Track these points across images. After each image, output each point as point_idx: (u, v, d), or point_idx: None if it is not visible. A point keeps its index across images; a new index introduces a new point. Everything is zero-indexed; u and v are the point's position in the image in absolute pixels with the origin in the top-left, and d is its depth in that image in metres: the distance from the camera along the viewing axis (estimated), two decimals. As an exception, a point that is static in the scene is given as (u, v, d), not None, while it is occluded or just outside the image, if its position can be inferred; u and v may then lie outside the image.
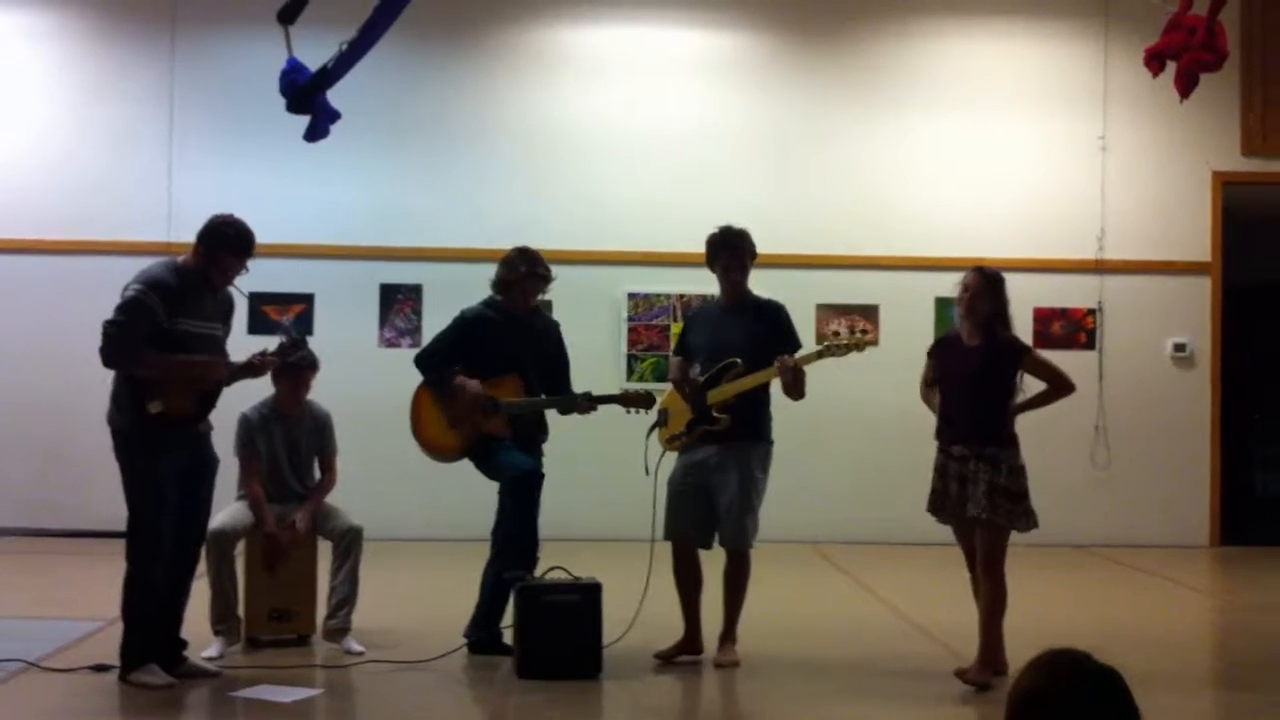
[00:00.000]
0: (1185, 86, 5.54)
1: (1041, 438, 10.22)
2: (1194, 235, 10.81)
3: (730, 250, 6.22)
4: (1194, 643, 7.36)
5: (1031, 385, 5.92)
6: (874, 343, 6.08)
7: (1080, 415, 10.44)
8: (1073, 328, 10.69)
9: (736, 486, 6.05)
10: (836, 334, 6.07)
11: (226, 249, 5.57)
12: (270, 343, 5.99)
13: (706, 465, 6.12)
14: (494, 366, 6.36)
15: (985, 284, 5.81)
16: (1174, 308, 10.79)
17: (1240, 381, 11.58)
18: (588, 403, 6.37)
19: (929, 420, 5.97)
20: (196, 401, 5.56)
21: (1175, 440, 10.72)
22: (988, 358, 5.80)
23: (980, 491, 5.67)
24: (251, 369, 5.71)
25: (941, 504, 5.83)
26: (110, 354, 5.42)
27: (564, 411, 6.50)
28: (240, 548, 6.37)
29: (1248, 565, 10.10)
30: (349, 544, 6.38)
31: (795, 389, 6.01)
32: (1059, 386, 5.87)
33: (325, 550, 6.48)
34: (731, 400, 6.04)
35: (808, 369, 6.04)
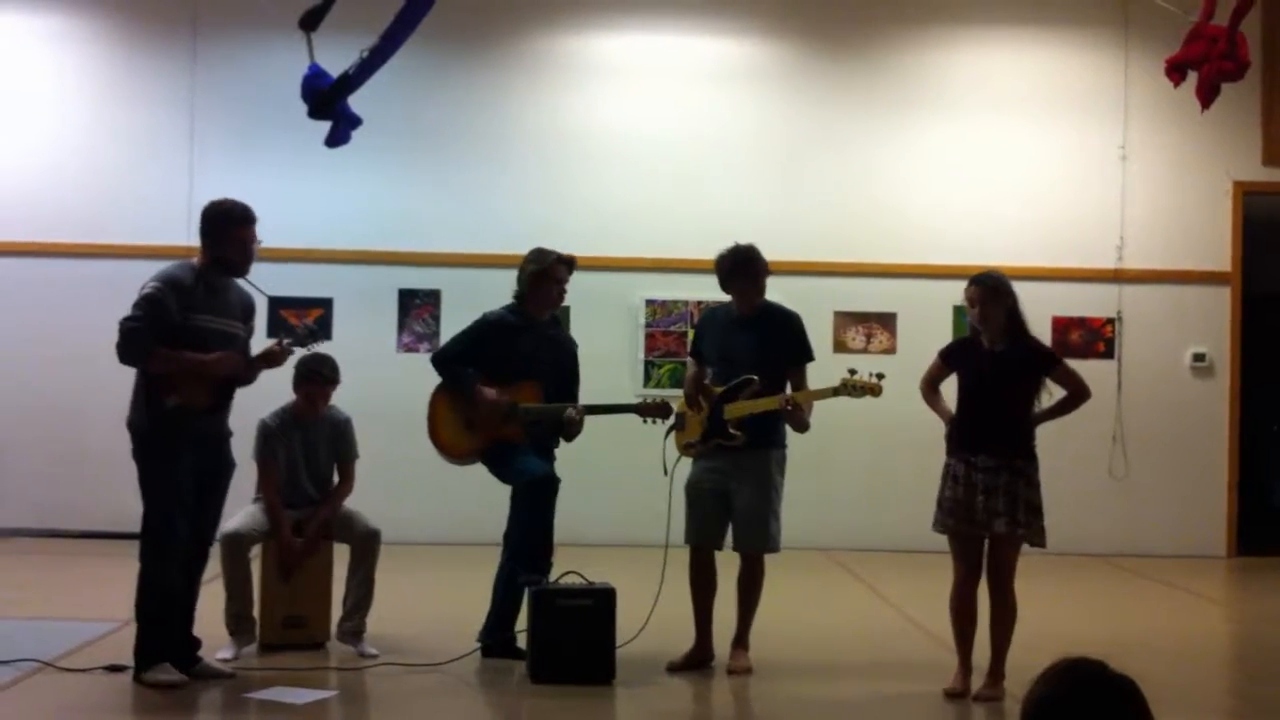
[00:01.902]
0: (1206, 96, 5.52)
1: (1058, 447, 10.18)
2: (1214, 245, 10.76)
3: (745, 275, 6.15)
4: (1210, 654, 7.32)
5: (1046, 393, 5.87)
6: (875, 393, 6.04)
7: (1098, 425, 10.40)
8: (1091, 337, 10.65)
9: (754, 491, 6.05)
10: (853, 372, 6.03)
11: (231, 222, 5.62)
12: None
13: (723, 470, 6.12)
14: (512, 371, 6.36)
15: (987, 292, 5.73)
16: (1193, 317, 10.75)
17: (1260, 392, 11.52)
18: (576, 414, 6.27)
19: (942, 427, 5.93)
20: (212, 392, 5.59)
21: (1193, 450, 10.67)
22: (1019, 364, 5.73)
23: (1018, 507, 5.61)
24: (270, 358, 5.72)
25: (964, 515, 5.66)
26: (124, 350, 5.46)
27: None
28: (256, 551, 6.39)
29: (1264, 576, 10.05)
30: (366, 548, 6.38)
31: (793, 423, 6.05)
32: (1079, 395, 5.82)
33: (340, 556, 6.49)
34: (746, 416, 6.04)
35: (816, 372, 6.09)
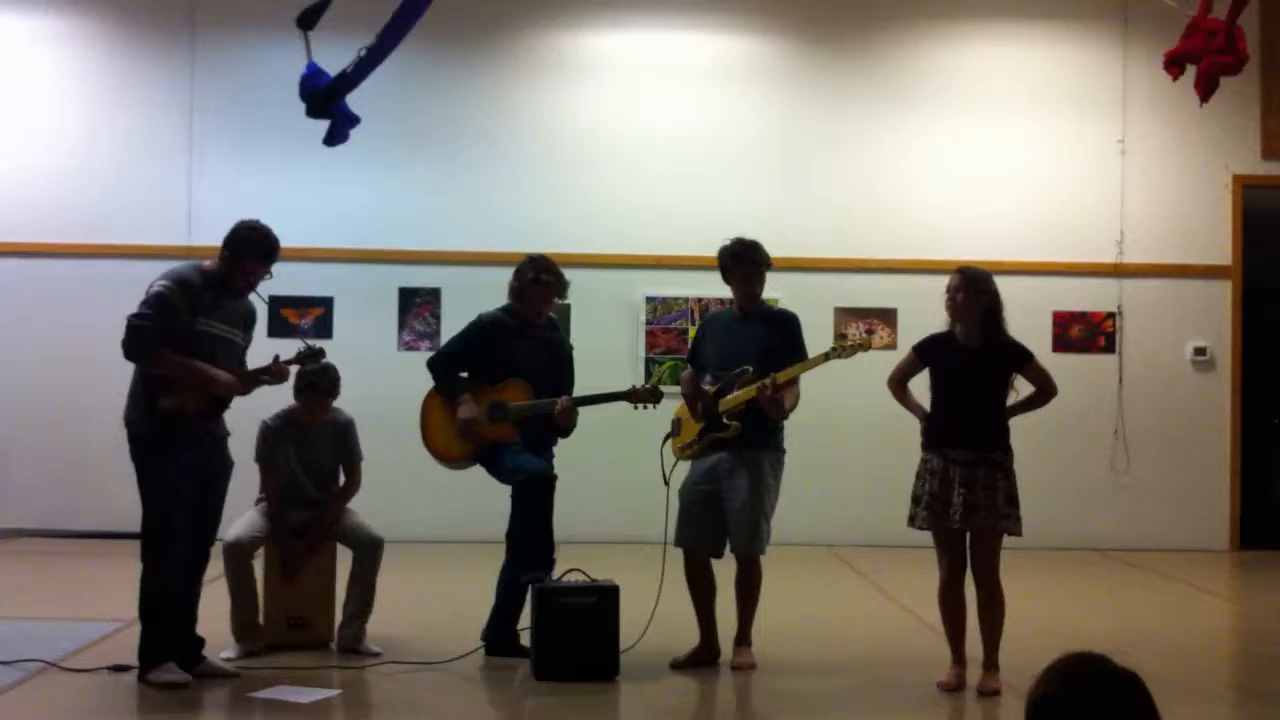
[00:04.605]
0: (1205, 90, 5.53)
1: (1060, 442, 10.29)
2: (1214, 238, 10.76)
3: (747, 262, 6.20)
4: (1213, 648, 7.33)
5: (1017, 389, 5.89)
6: (865, 347, 6.07)
7: (1099, 419, 10.41)
8: (1092, 331, 10.64)
9: (747, 493, 6.03)
10: (843, 336, 6.03)
11: (252, 254, 5.61)
12: (288, 348, 5.98)
13: (717, 472, 6.11)
14: (504, 371, 6.36)
15: (969, 283, 5.76)
16: (1194, 311, 10.75)
17: (1260, 385, 11.52)
18: (565, 404, 6.27)
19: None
20: (209, 399, 5.59)
21: (1194, 445, 10.67)
22: (993, 360, 5.76)
23: (998, 499, 5.63)
24: (267, 375, 5.72)
25: (941, 509, 5.67)
26: (131, 347, 5.47)
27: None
28: (259, 552, 6.39)
29: (1266, 570, 10.05)
30: (369, 555, 6.37)
31: (769, 408, 5.99)
32: (1048, 392, 5.84)
33: (344, 558, 6.49)
34: (742, 407, 6.03)
35: (817, 370, 6.08)
